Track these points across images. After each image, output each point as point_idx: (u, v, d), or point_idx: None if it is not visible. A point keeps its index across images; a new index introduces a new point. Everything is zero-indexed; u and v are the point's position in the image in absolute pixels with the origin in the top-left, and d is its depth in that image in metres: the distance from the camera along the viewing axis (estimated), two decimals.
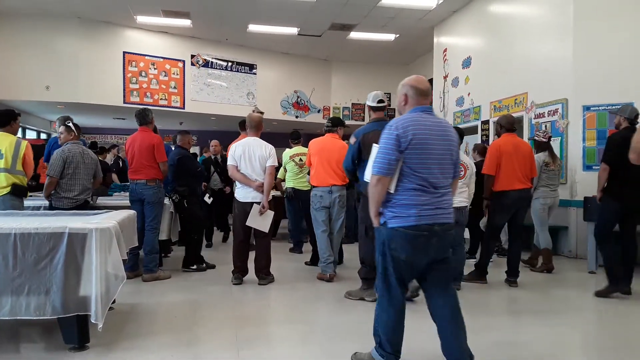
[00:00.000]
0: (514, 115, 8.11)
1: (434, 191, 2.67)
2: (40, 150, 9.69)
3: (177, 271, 5.68)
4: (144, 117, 5.39)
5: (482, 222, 5.56)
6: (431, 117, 2.79)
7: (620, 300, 4.63)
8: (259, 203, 4.94)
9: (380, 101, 4.39)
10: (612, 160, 4.69)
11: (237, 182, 5.10)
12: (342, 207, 5.36)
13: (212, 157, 7.90)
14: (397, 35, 11.81)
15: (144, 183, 5.16)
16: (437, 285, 2.78)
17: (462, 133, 5.27)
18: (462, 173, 4.94)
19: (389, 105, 16.71)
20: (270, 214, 4.99)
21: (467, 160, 5.10)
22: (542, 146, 6.04)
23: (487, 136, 8.85)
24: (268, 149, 5.00)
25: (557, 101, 7.12)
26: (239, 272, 5.12)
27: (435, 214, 2.65)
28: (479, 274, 5.29)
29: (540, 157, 5.94)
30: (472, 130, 9.38)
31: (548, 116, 7.35)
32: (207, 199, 7.16)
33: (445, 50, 10.78)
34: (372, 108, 4.39)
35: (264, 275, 5.10)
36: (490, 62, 8.94)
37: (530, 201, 5.49)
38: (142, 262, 5.24)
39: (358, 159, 4.14)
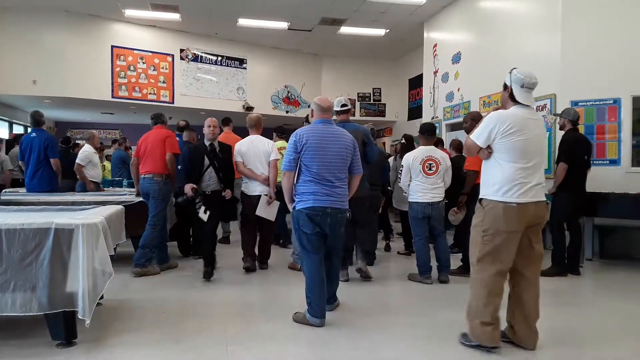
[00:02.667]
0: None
1: (326, 183, 3.56)
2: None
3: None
4: (159, 116, 5.63)
5: (453, 218, 5.36)
6: (327, 127, 3.68)
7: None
8: (266, 195, 5.33)
9: (344, 105, 4.94)
10: (570, 160, 5.31)
11: (244, 177, 5.48)
12: None
13: (207, 143, 5.21)
14: (388, 30, 11.81)
15: (150, 178, 5.29)
16: (329, 252, 3.77)
17: (433, 128, 5.36)
18: (434, 169, 5.02)
19: (379, 100, 16.63)
20: (276, 204, 5.41)
21: (440, 155, 5.13)
22: None
23: None
24: (270, 144, 5.48)
25: (546, 96, 7.16)
26: (250, 257, 5.50)
27: (327, 200, 3.55)
28: (467, 268, 5.31)
29: None
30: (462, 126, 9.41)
31: (537, 111, 7.39)
32: (203, 215, 5.01)
33: (435, 46, 10.79)
34: (337, 112, 4.85)
35: (265, 260, 5.66)
36: (480, 58, 8.97)
37: None
38: (154, 256, 5.43)
39: None
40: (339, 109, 4.89)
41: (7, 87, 10.60)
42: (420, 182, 5.03)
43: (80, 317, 2.94)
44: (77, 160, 6.86)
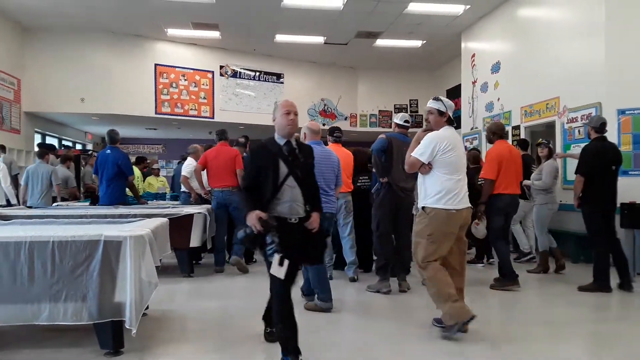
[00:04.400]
0: (546, 120, 7.99)
1: (322, 192, 3.90)
2: (77, 160, 10.03)
3: (209, 276, 5.80)
4: (222, 133, 6.45)
5: (475, 230, 5.31)
6: (319, 147, 4.45)
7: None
8: None
9: (406, 121, 5.42)
10: (587, 171, 5.12)
11: None
12: (348, 212, 5.67)
13: (280, 142, 3.26)
14: (424, 42, 11.76)
15: (229, 190, 6.00)
16: None
17: None
18: None
19: (416, 111, 16.53)
20: None
21: None
22: (552, 155, 6.16)
23: (518, 142, 8.68)
24: None
25: (590, 105, 6.94)
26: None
27: (324, 206, 3.88)
28: (509, 279, 5.19)
29: (553, 164, 6.09)
30: None
31: (581, 121, 7.17)
32: (278, 270, 2.86)
33: (473, 56, 10.67)
34: (397, 124, 5.44)
35: None
36: (520, 67, 8.80)
37: (517, 207, 5.55)
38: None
39: (387, 151, 5.08)
40: (401, 123, 5.37)
41: (57, 105, 11.12)
42: None
43: (127, 326, 3.03)
44: (183, 173, 7.37)
